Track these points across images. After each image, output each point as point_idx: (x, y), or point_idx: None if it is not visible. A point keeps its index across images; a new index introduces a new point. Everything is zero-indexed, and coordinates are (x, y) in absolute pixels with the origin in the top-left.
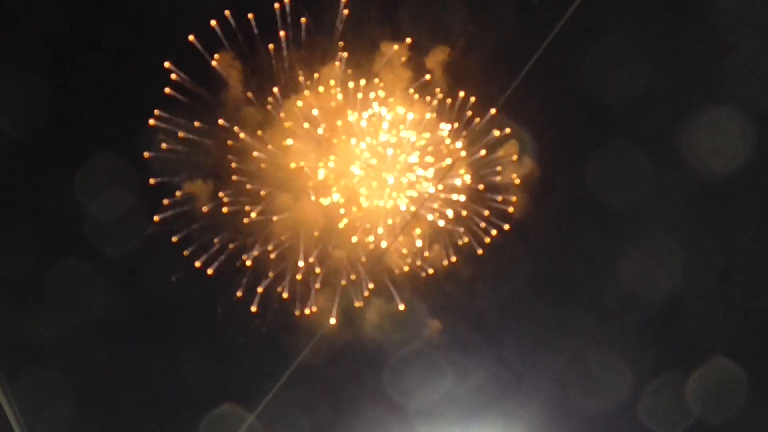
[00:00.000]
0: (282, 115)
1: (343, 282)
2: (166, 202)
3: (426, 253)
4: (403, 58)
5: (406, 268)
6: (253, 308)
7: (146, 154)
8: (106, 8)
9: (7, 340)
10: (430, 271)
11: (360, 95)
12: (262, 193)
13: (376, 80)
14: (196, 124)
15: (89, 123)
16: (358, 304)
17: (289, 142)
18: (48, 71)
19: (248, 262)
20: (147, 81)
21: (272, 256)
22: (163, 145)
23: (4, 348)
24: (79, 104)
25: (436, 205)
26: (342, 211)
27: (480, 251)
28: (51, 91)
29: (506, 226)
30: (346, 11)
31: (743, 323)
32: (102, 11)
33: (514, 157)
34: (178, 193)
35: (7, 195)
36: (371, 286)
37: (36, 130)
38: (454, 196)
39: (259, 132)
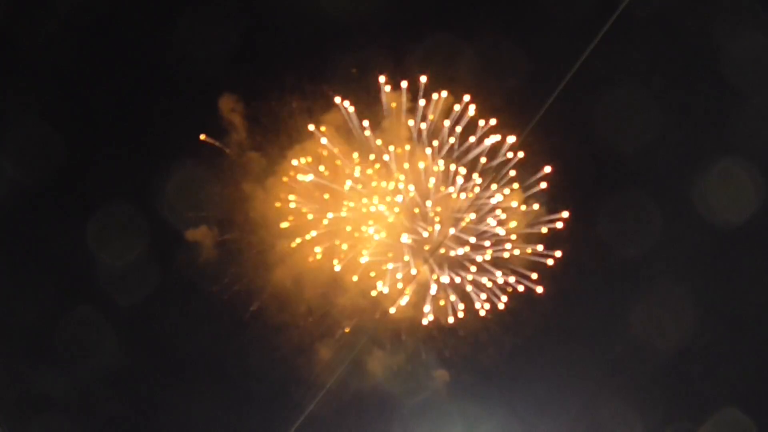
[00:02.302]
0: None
1: (347, 330)
2: None
3: (443, 301)
4: (408, 105)
5: (425, 321)
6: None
7: None
8: (118, 55)
9: (16, 389)
10: (446, 320)
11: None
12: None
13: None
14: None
15: (100, 171)
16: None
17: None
18: (59, 119)
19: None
20: (158, 127)
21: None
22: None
23: (13, 397)
24: (90, 152)
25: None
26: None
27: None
28: (62, 139)
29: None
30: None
31: (754, 374)
32: (114, 58)
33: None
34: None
35: (18, 243)
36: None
37: (47, 179)
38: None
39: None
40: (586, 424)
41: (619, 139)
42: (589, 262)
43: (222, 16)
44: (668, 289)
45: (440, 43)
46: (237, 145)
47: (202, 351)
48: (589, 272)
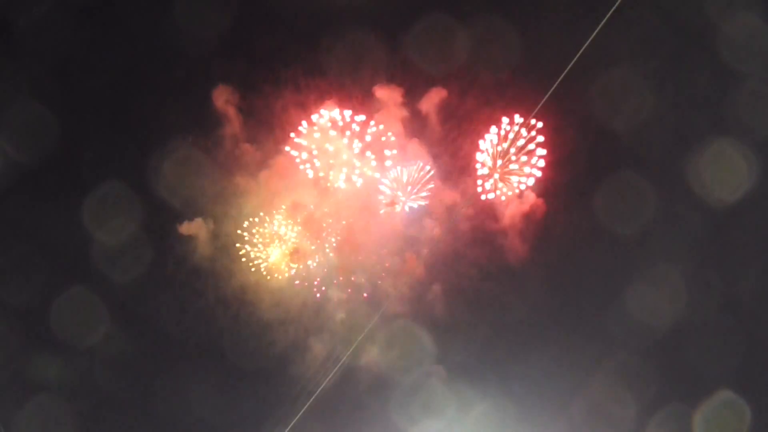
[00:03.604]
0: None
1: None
2: None
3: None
4: (400, 99)
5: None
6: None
7: None
8: (113, 38)
9: (9, 370)
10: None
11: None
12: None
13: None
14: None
15: (95, 152)
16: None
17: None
18: (55, 100)
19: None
20: (152, 110)
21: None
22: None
23: (6, 378)
24: (86, 133)
25: None
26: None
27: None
28: (58, 120)
29: None
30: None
31: (748, 354)
32: (108, 41)
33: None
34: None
35: (14, 223)
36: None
37: (43, 158)
38: None
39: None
40: (580, 404)
41: (615, 120)
42: (584, 242)
43: (218, 7)
44: (663, 268)
45: (435, 32)
46: (231, 138)
47: (200, 347)
48: (584, 251)
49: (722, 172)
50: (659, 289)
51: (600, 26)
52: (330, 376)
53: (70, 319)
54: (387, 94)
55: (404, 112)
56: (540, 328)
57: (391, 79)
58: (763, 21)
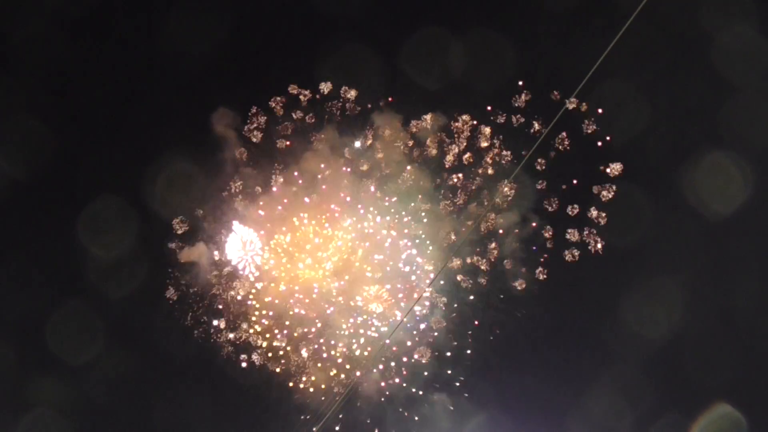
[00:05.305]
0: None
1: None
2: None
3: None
4: (398, 126)
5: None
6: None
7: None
8: (110, 54)
9: (5, 385)
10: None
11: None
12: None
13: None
14: None
15: (91, 166)
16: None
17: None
18: (52, 115)
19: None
20: (149, 125)
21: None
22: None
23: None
24: (82, 148)
25: None
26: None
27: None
28: (54, 135)
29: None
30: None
31: (745, 365)
32: (106, 57)
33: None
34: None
35: (10, 237)
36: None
37: (39, 173)
38: None
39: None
40: (576, 416)
41: (610, 131)
42: (581, 255)
43: (220, 32)
44: (659, 279)
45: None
46: (231, 162)
47: (200, 378)
48: (580, 264)
49: (718, 184)
50: (656, 301)
51: (602, 57)
52: (333, 408)
53: (65, 335)
54: (386, 120)
55: (405, 140)
56: (534, 340)
57: (391, 106)
58: (758, 32)
